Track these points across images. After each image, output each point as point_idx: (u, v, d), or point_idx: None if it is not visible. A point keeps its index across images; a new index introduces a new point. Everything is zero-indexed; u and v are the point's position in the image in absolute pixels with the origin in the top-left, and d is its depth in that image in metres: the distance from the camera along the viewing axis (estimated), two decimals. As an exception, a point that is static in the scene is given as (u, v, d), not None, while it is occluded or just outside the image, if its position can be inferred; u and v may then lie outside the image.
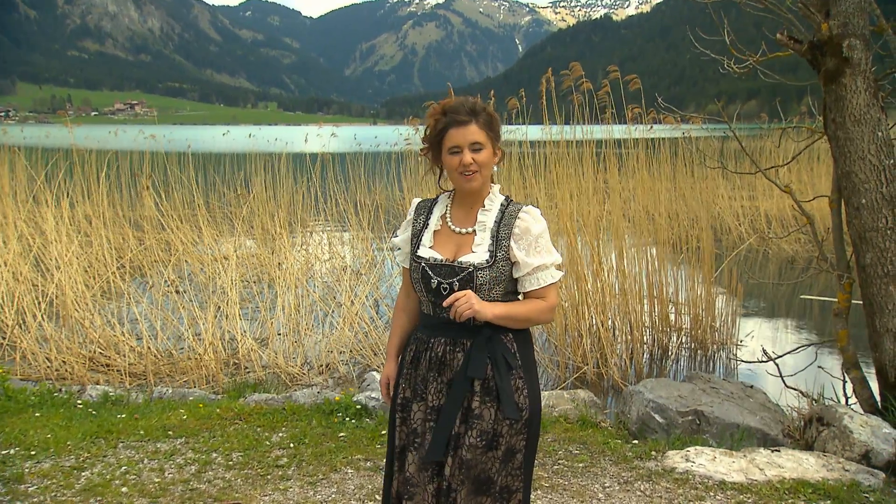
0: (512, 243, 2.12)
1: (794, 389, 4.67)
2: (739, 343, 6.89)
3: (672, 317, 6.94)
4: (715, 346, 6.83)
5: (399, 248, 2.29)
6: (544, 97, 6.88)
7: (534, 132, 7.89)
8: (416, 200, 2.31)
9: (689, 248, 7.28)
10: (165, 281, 7.68)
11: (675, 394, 4.27)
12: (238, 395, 4.91)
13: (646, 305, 6.78)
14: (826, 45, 4.02)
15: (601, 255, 6.56)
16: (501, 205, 2.19)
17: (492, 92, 7.85)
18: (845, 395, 4.53)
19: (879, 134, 3.98)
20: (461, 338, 2.11)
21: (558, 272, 2.18)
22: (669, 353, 6.71)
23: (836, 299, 4.43)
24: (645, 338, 6.71)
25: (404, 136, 9.73)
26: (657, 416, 4.12)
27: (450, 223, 2.19)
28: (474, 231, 2.16)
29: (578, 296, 6.42)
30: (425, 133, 2.17)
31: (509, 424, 2.09)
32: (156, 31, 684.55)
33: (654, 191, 7.84)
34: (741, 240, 11.29)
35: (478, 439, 2.07)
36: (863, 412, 4.11)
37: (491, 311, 2.07)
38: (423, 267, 2.14)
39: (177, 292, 7.43)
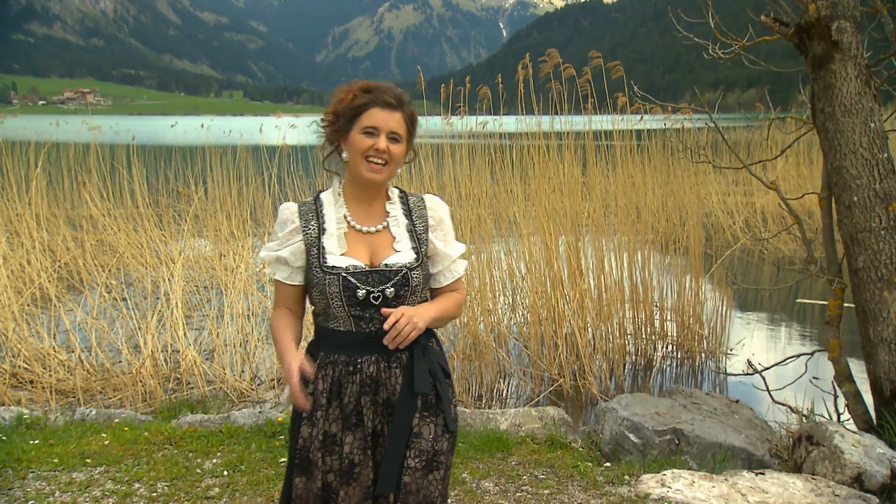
0: (430, 236, 2.09)
1: (783, 405, 4.60)
2: (729, 352, 6.83)
3: (657, 323, 6.86)
4: (703, 356, 6.76)
5: (286, 263, 2.05)
6: (521, 86, 6.78)
7: (511, 123, 7.80)
8: (291, 205, 2.09)
9: (677, 248, 7.21)
10: (105, 287, 7.48)
11: (652, 410, 4.18)
12: (171, 415, 4.75)
13: (628, 311, 6.71)
14: (814, 28, 3.95)
15: (580, 256, 6.47)
16: (400, 197, 2.14)
17: (467, 78, 7.73)
18: (837, 410, 4.46)
19: (872, 125, 3.91)
20: (395, 351, 2.00)
21: (464, 261, 2.19)
22: (654, 364, 6.63)
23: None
24: (627, 346, 6.63)
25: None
26: (632, 436, 4.03)
27: (353, 223, 2.06)
28: (386, 228, 2.07)
29: (555, 301, 6.33)
30: (335, 105, 2.03)
31: (448, 440, 2.04)
32: (109, 13, 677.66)
33: (640, 185, 7.77)
34: (734, 239, 11.27)
35: (416, 460, 1.98)
36: (856, 429, 4.04)
37: (427, 316, 1.99)
38: (344, 277, 1.97)
39: (116, 299, 7.23)
